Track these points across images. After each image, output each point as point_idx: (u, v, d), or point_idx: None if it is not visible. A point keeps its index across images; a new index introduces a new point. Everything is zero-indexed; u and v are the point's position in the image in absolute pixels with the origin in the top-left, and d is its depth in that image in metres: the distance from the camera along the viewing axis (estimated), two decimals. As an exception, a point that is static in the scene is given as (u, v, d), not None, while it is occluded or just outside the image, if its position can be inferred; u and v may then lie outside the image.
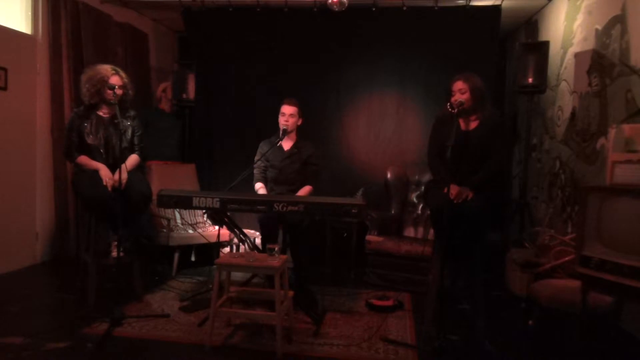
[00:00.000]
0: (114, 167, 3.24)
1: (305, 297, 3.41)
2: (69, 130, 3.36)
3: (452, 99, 3.10)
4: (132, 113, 3.50)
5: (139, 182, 3.31)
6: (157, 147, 4.69)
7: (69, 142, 3.35)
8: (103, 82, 3.28)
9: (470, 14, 4.58)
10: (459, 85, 3.11)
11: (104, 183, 3.18)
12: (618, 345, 2.85)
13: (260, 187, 3.77)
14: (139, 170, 3.53)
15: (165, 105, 5.41)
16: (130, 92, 3.43)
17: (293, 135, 3.83)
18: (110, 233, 3.46)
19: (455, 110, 2.97)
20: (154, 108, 5.46)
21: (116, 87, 3.21)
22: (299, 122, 3.80)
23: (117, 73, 3.36)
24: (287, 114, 3.71)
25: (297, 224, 3.54)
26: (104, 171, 3.24)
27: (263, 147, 3.80)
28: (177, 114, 5.39)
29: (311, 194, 3.74)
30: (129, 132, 3.45)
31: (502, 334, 3.02)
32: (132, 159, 3.46)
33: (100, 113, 3.39)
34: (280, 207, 2.89)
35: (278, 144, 3.76)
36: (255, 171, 3.80)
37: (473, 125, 3.16)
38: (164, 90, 5.37)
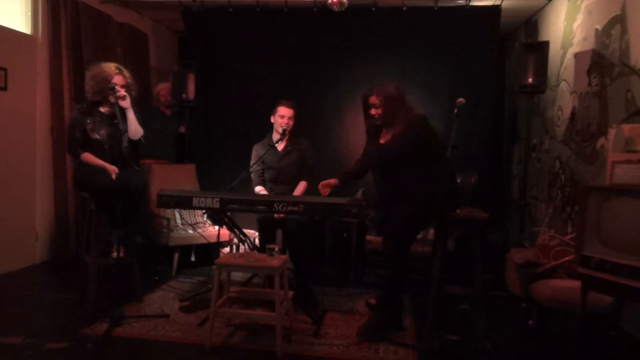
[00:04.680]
0: (117, 163, 3.21)
1: (306, 297, 3.41)
2: (72, 127, 3.33)
3: (368, 112, 3.14)
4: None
5: (133, 174, 3.24)
6: (156, 147, 4.67)
7: (72, 138, 3.32)
8: (106, 82, 3.26)
9: (470, 14, 4.57)
10: (372, 100, 3.11)
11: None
12: (618, 345, 2.85)
13: (260, 190, 3.76)
14: (134, 164, 3.47)
15: (163, 106, 5.39)
16: (133, 92, 3.38)
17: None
18: (110, 231, 3.45)
19: (379, 122, 3.08)
20: (153, 108, 5.45)
21: (116, 87, 3.19)
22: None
23: (120, 72, 3.33)
24: (287, 116, 3.69)
25: (296, 227, 3.53)
26: (110, 167, 3.20)
27: (258, 150, 3.77)
28: (177, 114, 5.38)
29: (307, 189, 3.73)
30: None
31: (502, 334, 3.03)
32: None
33: (103, 110, 3.37)
34: (280, 207, 2.89)
35: (273, 146, 3.73)
36: (252, 175, 3.77)
37: (386, 138, 3.15)
38: (159, 92, 5.33)
